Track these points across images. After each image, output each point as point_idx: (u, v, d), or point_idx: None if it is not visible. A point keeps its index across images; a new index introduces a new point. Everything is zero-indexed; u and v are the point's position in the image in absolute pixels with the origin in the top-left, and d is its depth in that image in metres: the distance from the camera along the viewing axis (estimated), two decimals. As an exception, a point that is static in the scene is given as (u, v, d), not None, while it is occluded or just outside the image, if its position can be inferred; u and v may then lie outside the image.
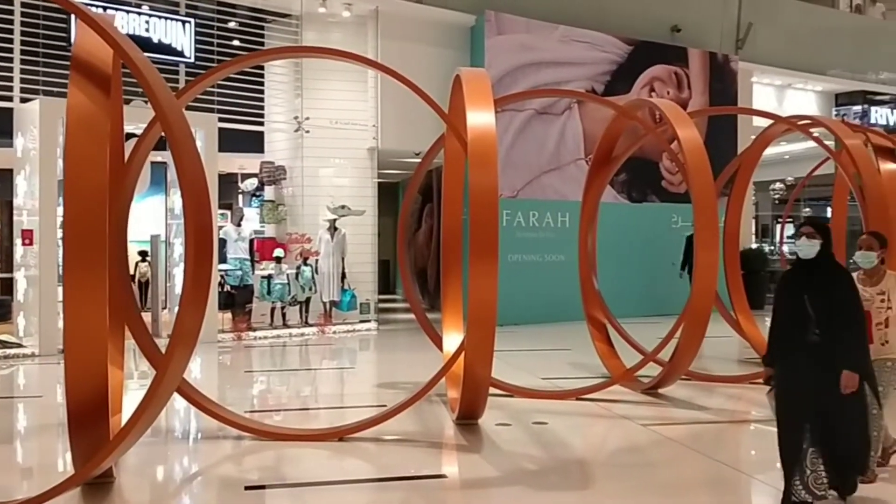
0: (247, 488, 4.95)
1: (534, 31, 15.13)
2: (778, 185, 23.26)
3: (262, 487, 5.02)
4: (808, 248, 4.53)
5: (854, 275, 5.00)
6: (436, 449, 6.11)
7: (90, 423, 4.36)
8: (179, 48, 12.69)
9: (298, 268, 13.12)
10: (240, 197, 16.58)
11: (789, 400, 4.52)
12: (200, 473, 5.63)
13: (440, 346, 7.86)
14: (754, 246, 19.95)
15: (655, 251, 15.46)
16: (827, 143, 9.47)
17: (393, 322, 14.82)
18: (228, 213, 14.56)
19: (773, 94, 19.90)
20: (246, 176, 15.83)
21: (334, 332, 13.07)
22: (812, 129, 9.63)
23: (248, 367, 10.30)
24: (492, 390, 7.69)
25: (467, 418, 6.53)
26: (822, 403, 4.37)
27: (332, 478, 5.19)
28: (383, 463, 5.72)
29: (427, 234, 17.81)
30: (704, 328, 7.24)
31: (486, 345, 5.87)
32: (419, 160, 8.64)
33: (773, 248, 24.40)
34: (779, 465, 4.56)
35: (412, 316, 8.54)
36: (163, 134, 5.10)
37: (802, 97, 20.46)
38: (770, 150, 21.97)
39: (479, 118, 6.01)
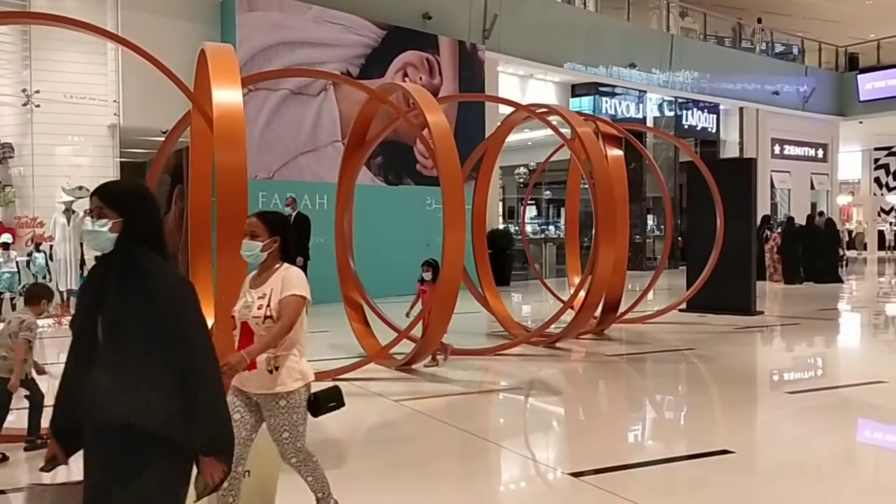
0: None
1: (287, 10, 14.90)
2: (522, 170, 24.75)
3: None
4: (97, 235, 2.56)
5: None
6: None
7: None
8: None
9: (30, 254, 12.03)
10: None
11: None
12: None
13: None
14: (501, 226, 21.07)
15: (411, 232, 15.86)
16: (563, 130, 10.19)
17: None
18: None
19: (517, 83, 21.07)
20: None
21: (73, 324, 12.12)
22: (549, 117, 10.32)
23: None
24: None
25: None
26: None
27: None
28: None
29: (177, 217, 16.96)
30: (453, 305, 7.53)
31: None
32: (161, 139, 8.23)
33: (517, 228, 25.97)
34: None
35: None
36: None
37: (543, 87, 21.85)
38: (515, 137, 23.33)
39: (225, 95, 5.80)
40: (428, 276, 8.23)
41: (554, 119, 10.39)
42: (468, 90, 17.47)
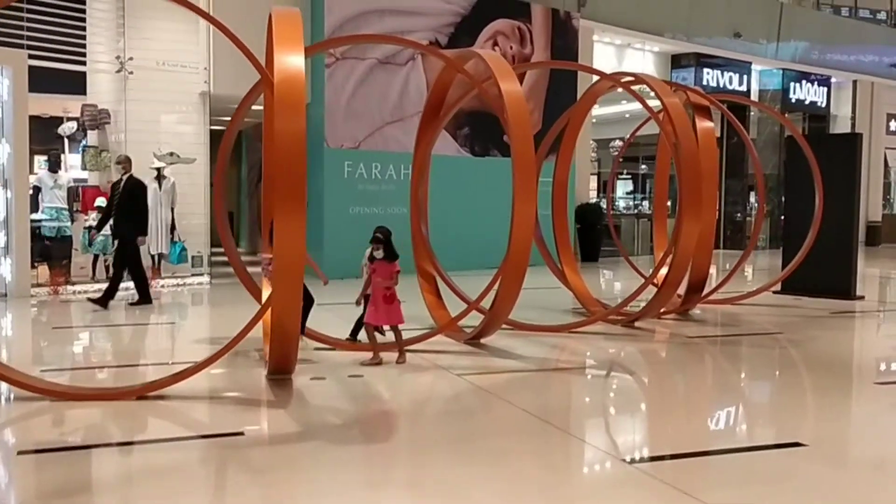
0: (20, 453, 4.59)
1: (376, -23, 14.80)
2: (617, 143, 24.10)
3: (39, 451, 4.66)
4: None
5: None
6: (240, 406, 5.88)
7: None
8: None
9: (123, 218, 12.41)
10: (66, 142, 15.48)
11: None
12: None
13: (260, 299, 7.64)
14: (593, 201, 20.58)
15: (496, 204, 15.58)
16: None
17: (230, 276, 14.31)
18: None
19: (613, 53, 20.44)
20: (73, 119, 14.79)
21: (162, 286, 12.51)
22: (636, 87, 9.87)
23: (59, 324, 9.64)
24: (314, 343, 7.58)
25: (279, 373, 6.35)
26: None
27: (121, 439, 4.91)
28: (181, 422, 5.46)
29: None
30: (521, 278, 7.33)
31: (293, 297, 5.68)
32: (261, 107, 8.17)
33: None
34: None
35: (251, 269, 8.17)
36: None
37: (641, 58, 21.12)
38: (612, 109, 22.72)
39: (287, 60, 5.71)
40: (379, 253, 7.00)
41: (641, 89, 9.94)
42: (560, 59, 17.00)
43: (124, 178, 10.58)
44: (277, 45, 5.79)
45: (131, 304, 10.58)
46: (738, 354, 8.48)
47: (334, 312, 10.23)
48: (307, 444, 4.95)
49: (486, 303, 7.84)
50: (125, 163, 10.69)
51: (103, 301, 10.19)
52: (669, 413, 6.02)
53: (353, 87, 14.41)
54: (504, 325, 8.34)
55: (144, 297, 10.64)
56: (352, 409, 5.80)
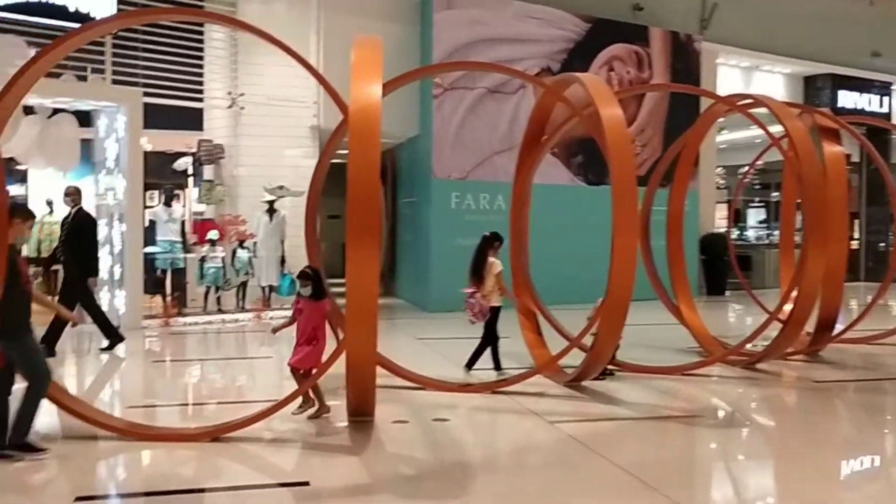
0: (77, 499, 4.42)
1: (486, 5, 14.59)
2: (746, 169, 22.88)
3: (97, 498, 4.50)
4: None
5: None
6: (314, 451, 5.57)
7: None
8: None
9: (234, 251, 12.60)
10: (191, 178, 15.96)
11: None
12: (26, 483, 4.82)
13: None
14: (720, 230, 19.47)
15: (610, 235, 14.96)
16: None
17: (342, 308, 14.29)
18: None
19: (739, 75, 19.42)
20: (190, 155, 15.24)
21: (271, 318, 12.54)
22: (756, 110, 9.13)
23: (158, 357, 9.70)
24: (403, 383, 7.26)
25: (359, 415, 6.04)
26: None
27: (175, 486, 4.66)
28: (248, 468, 5.20)
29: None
30: (624, 315, 6.75)
31: (369, 336, 5.37)
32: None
33: (741, 233, 24.19)
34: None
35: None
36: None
37: (770, 79, 19.97)
38: (740, 134, 21.58)
39: (363, 89, 5.45)
40: (306, 290, 6.22)
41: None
42: (681, 83, 16.20)
43: (73, 211, 9.34)
44: (355, 75, 5.56)
45: (103, 349, 9.41)
46: (874, 404, 7.55)
47: (432, 347, 9.93)
48: (373, 497, 4.59)
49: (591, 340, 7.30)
50: (74, 195, 9.39)
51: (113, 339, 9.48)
52: (791, 476, 5.27)
53: (462, 116, 14.18)
54: (610, 366, 7.79)
55: (113, 337, 9.46)
56: (429, 458, 5.39)
